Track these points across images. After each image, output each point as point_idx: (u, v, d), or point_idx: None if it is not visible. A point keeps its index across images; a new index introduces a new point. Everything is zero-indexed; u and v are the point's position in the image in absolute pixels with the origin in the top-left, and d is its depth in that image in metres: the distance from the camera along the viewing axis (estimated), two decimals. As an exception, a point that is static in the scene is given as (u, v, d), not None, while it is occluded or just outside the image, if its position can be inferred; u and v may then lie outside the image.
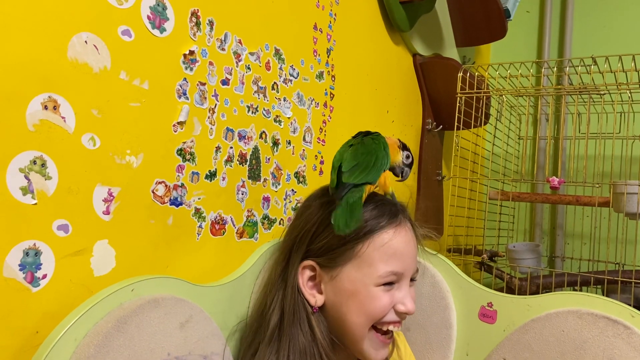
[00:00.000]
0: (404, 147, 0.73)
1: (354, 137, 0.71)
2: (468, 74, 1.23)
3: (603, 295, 1.23)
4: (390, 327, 0.66)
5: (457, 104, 1.23)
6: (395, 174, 0.73)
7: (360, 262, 0.64)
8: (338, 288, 0.65)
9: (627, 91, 1.11)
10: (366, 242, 0.64)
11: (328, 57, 0.99)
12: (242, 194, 0.78)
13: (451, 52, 1.53)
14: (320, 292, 0.67)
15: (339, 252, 0.65)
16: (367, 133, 0.70)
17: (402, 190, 0.77)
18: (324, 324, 0.66)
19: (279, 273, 0.69)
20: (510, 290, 1.20)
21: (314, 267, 0.67)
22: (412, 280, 0.69)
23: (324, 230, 0.65)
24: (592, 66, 1.10)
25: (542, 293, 1.17)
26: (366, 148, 0.66)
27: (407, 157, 0.73)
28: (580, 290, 1.23)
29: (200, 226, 0.71)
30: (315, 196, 0.71)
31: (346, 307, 0.65)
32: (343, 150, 0.67)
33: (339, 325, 0.67)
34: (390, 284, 0.65)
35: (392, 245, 0.65)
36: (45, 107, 0.52)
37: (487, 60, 2.01)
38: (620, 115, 1.41)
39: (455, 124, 1.23)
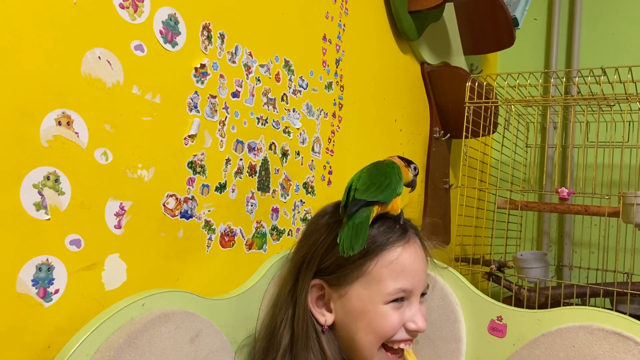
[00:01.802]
0: (407, 162, 0.73)
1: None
2: (477, 84, 1.23)
3: (612, 305, 1.22)
4: (402, 346, 0.65)
5: (466, 114, 1.23)
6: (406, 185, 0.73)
7: (369, 280, 0.64)
8: (347, 307, 0.65)
9: (637, 102, 1.11)
10: (374, 259, 0.64)
11: (337, 67, 1.00)
12: (252, 206, 0.79)
13: (459, 60, 1.52)
14: (330, 311, 0.67)
15: (347, 271, 0.65)
16: (381, 162, 0.70)
17: (408, 197, 0.77)
18: (334, 343, 0.66)
19: (287, 292, 0.68)
20: (518, 301, 1.19)
21: (323, 286, 0.67)
22: (422, 295, 0.69)
23: (333, 249, 0.65)
24: (602, 76, 1.09)
25: (550, 304, 1.16)
26: (381, 171, 0.67)
27: (415, 168, 0.73)
28: (589, 302, 1.22)
29: (210, 238, 0.71)
30: (323, 213, 0.70)
31: (355, 326, 0.65)
32: (358, 175, 0.67)
33: (348, 344, 0.66)
34: (399, 301, 0.65)
35: (400, 262, 0.65)
36: (59, 123, 0.52)
37: (495, 69, 2.01)
38: (629, 124, 1.40)
39: (464, 133, 1.22)
